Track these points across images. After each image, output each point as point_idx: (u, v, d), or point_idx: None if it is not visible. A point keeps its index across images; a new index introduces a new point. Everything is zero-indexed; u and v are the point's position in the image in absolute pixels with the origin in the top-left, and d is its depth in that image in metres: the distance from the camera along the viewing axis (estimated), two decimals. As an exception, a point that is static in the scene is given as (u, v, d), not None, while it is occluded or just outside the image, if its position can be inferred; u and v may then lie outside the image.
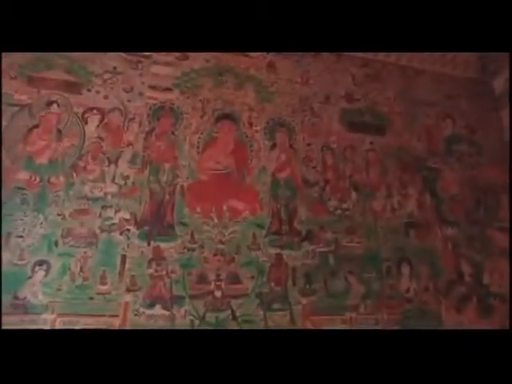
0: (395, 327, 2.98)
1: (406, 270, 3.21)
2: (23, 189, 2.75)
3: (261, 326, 2.77)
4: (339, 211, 3.28)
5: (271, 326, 2.79)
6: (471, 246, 3.45)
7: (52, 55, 3.14)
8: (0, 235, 2.58)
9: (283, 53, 3.64)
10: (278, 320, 2.82)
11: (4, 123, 2.88)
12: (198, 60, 3.47)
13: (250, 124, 3.38)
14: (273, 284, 2.91)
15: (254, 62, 3.61)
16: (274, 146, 3.37)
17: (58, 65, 3.14)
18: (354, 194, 3.38)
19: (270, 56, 3.65)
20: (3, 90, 2.95)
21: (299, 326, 2.83)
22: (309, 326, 2.85)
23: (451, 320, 3.14)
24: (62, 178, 2.86)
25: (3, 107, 2.91)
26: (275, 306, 2.85)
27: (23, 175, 2.80)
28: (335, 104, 3.70)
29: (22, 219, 2.68)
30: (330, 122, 3.61)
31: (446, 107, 4.00)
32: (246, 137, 3.34)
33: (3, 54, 2.97)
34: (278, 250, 3.01)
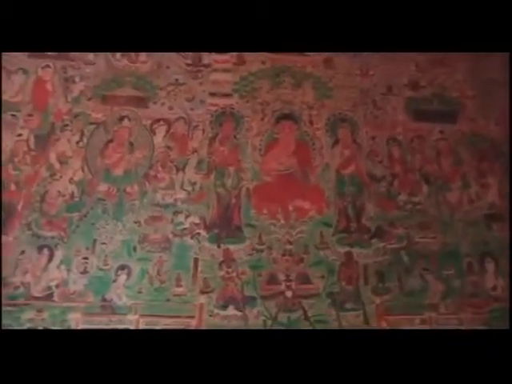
0: (481, 327, 2.76)
1: (490, 266, 2.95)
2: (103, 199, 2.99)
3: (334, 326, 2.71)
4: (410, 206, 3.12)
5: (345, 326, 2.72)
6: None
7: (121, 73, 3.38)
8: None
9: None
10: (352, 320, 2.75)
11: (84, 140, 3.15)
12: (255, 63, 3.51)
13: (311, 122, 3.35)
14: (344, 283, 2.84)
15: (311, 59, 3.55)
16: (336, 142, 3.30)
17: (127, 82, 3.37)
18: (425, 187, 3.19)
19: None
20: (82, 111, 3.23)
21: (374, 326, 2.74)
22: (384, 326, 2.75)
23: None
24: (136, 188, 3.05)
25: (83, 126, 3.19)
26: (348, 305, 2.78)
27: (102, 187, 3.03)
28: (398, 94, 3.52)
29: (104, 227, 2.90)
30: (394, 113, 3.44)
31: (526, 85, 3.62)
32: (308, 135, 3.31)
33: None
34: (348, 249, 2.94)
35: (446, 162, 3.31)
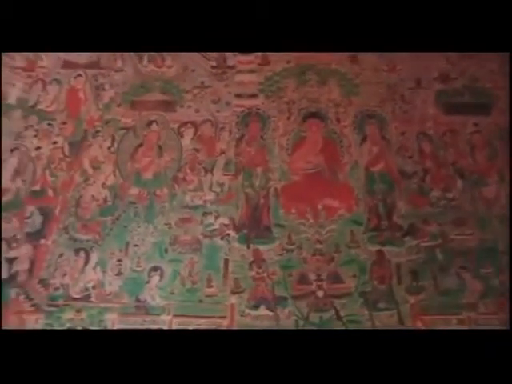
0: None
1: (532, 262, 2.82)
2: (135, 203, 3.06)
3: (367, 326, 2.67)
4: (444, 202, 3.02)
5: (378, 326, 2.67)
6: None
7: (148, 79, 3.46)
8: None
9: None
10: (385, 320, 2.69)
11: (115, 146, 3.25)
12: (280, 63, 3.50)
13: (338, 120, 3.31)
14: (376, 282, 2.79)
15: (336, 56, 3.50)
16: (364, 139, 3.25)
17: (154, 87, 3.45)
18: (459, 182, 3.08)
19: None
20: (112, 117, 3.34)
21: (409, 326, 2.66)
22: (420, 327, 2.67)
23: None
24: (165, 190, 3.11)
25: (114, 132, 3.29)
26: (381, 305, 2.72)
27: (134, 190, 3.11)
28: (428, 87, 3.41)
29: (136, 230, 2.97)
30: (423, 107, 3.35)
31: None
32: (335, 133, 3.27)
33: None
34: (379, 247, 2.88)
35: (480, 156, 3.19)
